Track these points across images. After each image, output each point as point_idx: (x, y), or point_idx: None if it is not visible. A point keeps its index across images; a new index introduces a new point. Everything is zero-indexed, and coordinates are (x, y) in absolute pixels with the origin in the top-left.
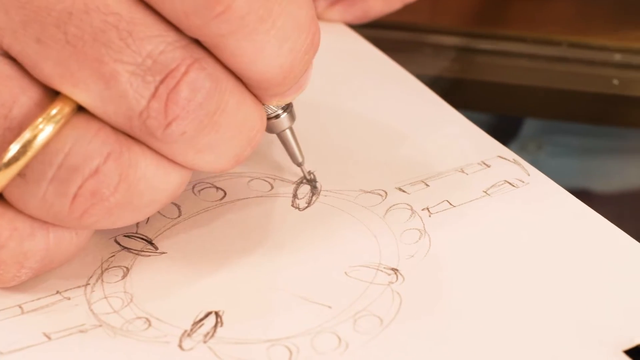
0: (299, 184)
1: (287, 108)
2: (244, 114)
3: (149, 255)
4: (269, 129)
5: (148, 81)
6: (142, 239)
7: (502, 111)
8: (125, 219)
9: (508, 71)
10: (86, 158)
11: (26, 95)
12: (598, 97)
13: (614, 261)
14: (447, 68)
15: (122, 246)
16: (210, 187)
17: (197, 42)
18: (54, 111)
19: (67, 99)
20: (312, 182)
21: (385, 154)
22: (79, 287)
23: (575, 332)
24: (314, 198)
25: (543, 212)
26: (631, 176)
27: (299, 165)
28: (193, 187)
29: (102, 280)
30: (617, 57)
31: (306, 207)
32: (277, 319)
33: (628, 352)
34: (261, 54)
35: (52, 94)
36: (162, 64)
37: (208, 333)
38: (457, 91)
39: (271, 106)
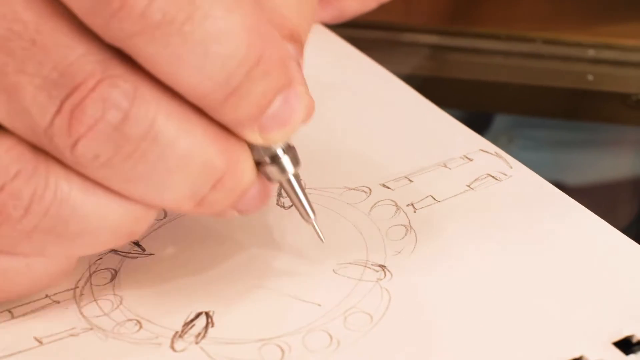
0: None
1: (287, 151)
2: (190, 146)
3: (137, 257)
4: (266, 177)
5: (53, 96)
6: None
7: (478, 108)
8: (56, 249)
9: (483, 68)
10: None
11: None
12: (573, 92)
13: (601, 253)
14: (422, 66)
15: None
16: None
17: (126, 58)
18: None
19: None
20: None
21: (367, 150)
22: (67, 290)
23: (565, 324)
24: None
25: (527, 205)
26: (604, 169)
27: (309, 222)
28: None
29: (91, 283)
30: (591, 52)
31: (291, 206)
32: (267, 318)
33: (617, 344)
34: (180, 61)
35: None
36: (69, 77)
37: (199, 334)
38: (432, 88)
39: (266, 148)
